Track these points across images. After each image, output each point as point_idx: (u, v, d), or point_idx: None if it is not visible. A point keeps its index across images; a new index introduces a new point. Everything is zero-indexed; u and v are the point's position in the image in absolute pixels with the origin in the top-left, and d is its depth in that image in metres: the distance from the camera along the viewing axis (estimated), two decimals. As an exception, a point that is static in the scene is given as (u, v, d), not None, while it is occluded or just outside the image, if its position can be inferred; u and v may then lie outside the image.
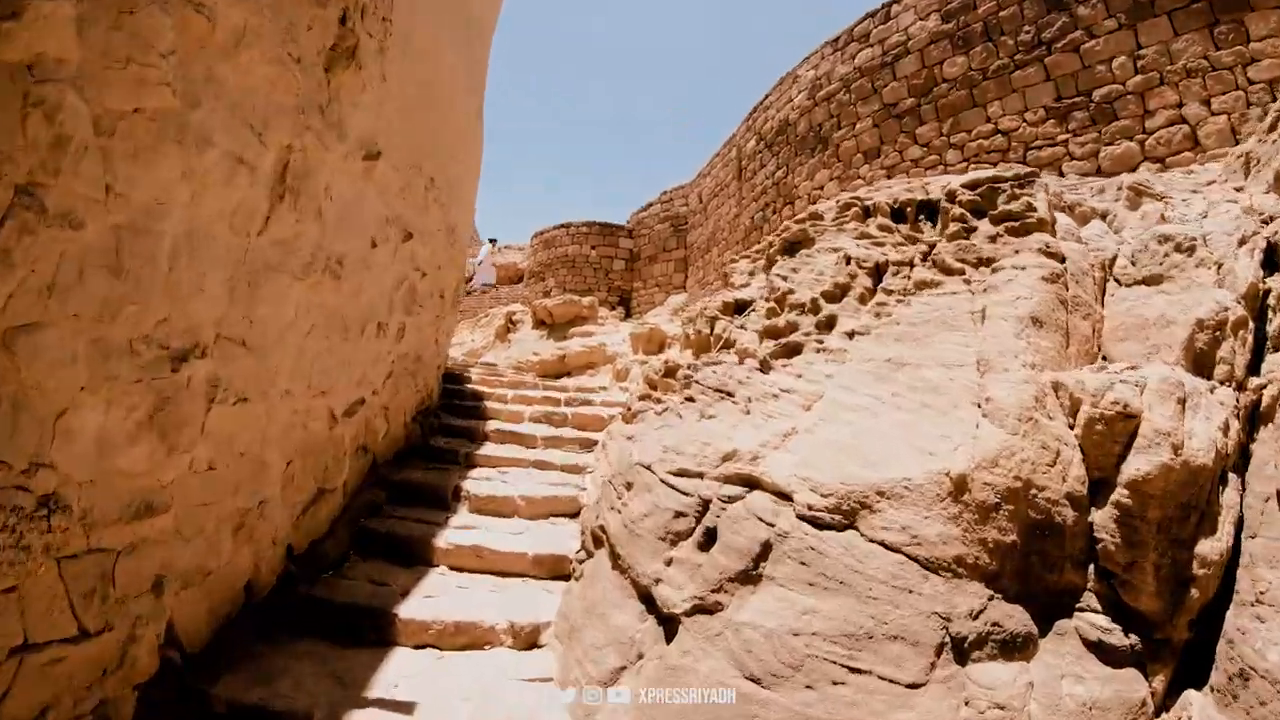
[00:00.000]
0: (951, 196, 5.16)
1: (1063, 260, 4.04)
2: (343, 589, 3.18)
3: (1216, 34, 7.11)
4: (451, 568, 3.48)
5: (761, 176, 12.29)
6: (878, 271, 4.75)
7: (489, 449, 4.95)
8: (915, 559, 2.52)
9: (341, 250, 3.23)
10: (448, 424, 5.37)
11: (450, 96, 4.93)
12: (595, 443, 5.28)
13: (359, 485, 3.85)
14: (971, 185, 5.05)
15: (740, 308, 5.72)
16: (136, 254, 2.02)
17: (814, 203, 10.67)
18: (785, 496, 2.65)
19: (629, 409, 5.52)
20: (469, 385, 6.93)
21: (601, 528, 3.18)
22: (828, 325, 4.32)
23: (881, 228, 5.31)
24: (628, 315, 16.10)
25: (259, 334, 2.65)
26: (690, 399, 4.14)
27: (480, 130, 6.27)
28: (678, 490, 2.84)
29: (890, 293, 4.35)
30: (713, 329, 5.63)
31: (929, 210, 5.31)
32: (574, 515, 4.05)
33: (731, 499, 2.69)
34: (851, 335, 4.08)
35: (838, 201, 6.03)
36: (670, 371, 5.64)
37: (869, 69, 10.05)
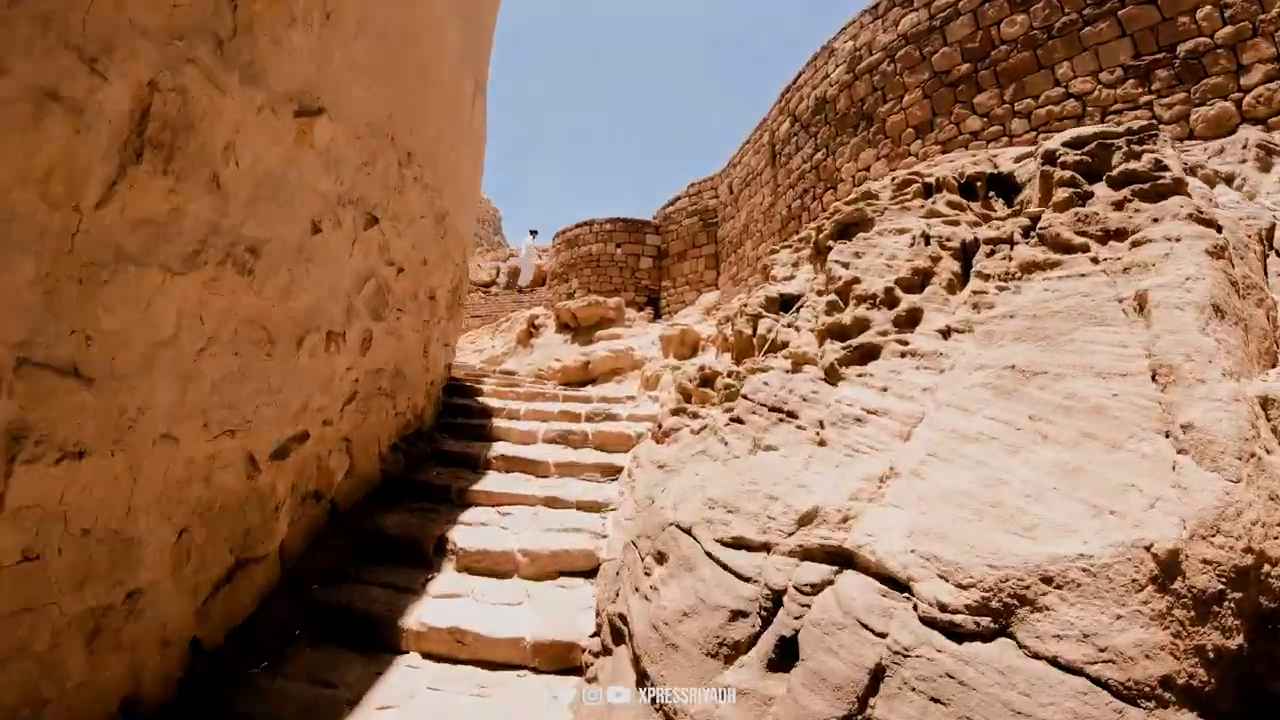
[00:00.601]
0: (1051, 157, 4.17)
1: (1219, 229, 3.07)
2: (273, 695, 2.34)
3: (1313, -24, 6.09)
4: (425, 655, 2.61)
5: (798, 161, 11.27)
6: (964, 253, 3.82)
7: (490, 481, 4.08)
8: (1105, 684, 1.59)
9: (258, 235, 2.38)
10: (444, 449, 4.51)
11: (437, 61, 4.09)
12: (620, 469, 4.39)
13: (309, 543, 3.01)
14: (1075, 143, 4.06)
15: (786, 303, 4.85)
16: None
17: (859, 185, 9.67)
18: (898, 585, 1.73)
19: (659, 425, 4.67)
20: (479, 399, 6.09)
21: (623, 616, 2.27)
22: (909, 321, 3.41)
23: (951, 204, 4.43)
24: (657, 316, 15.18)
25: (105, 354, 1.81)
26: (737, 420, 3.23)
27: (483, 111, 5.43)
28: (733, 572, 1.92)
29: (987, 278, 3.43)
30: (755, 329, 4.73)
31: (1001, 185, 4.46)
32: (590, 574, 3.15)
33: (815, 588, 1.77)
34: (947, 333, 3.15)
35: (893, 179, 5.14)
36: (708, 379, 4.78)
37: (915, 35, 9.01)
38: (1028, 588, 1.66)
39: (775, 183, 12.20)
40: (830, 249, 4.79)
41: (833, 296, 4.02)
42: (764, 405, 3.12)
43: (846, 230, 4.82)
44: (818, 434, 2.61)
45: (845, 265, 4.19)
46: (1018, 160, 4.63)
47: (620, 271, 16.77)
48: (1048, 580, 1.68)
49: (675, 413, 4.63)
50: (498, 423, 5.24)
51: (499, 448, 4.65)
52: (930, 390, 2.77)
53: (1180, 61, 6.99)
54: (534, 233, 21.98)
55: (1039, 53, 7.90)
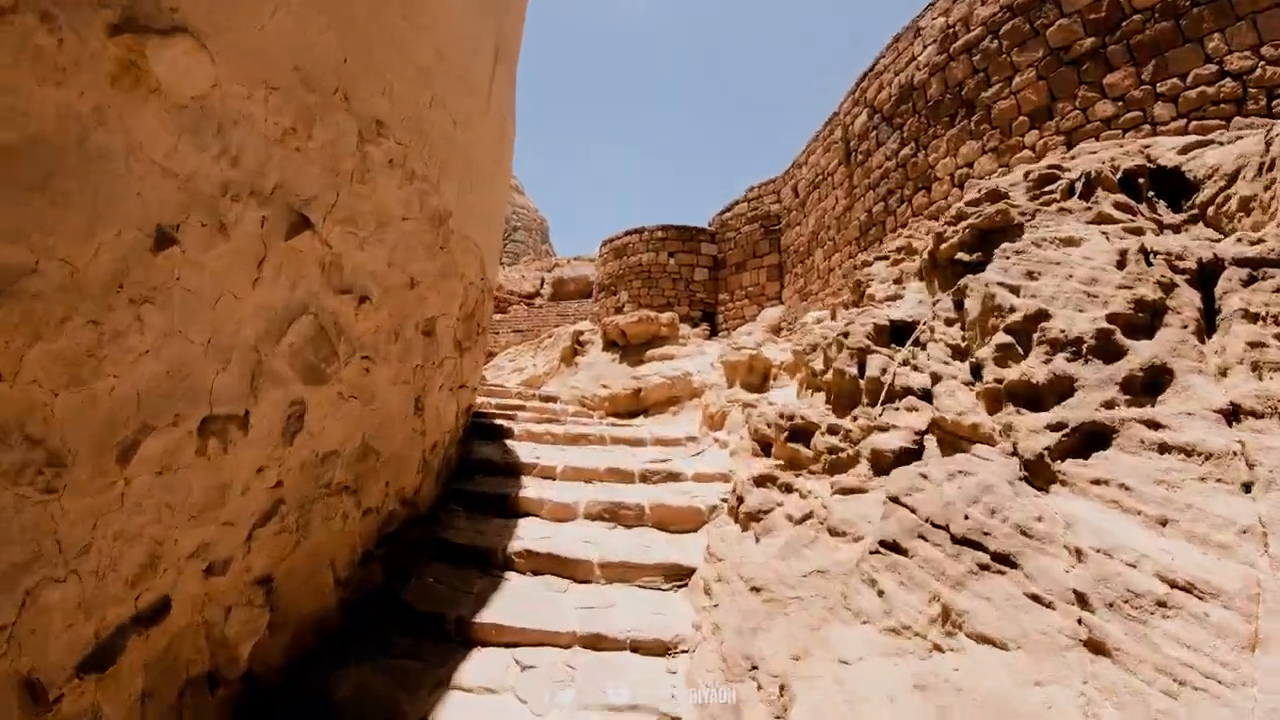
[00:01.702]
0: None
1: None
2: None
3: None
4: None
5: (879, 158, 9.86)
6: (1203, 278, 2.55)
7: (506, 597, 2.85)
8: None
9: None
10: (447, 539, 3.31)
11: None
12: (689, 571, 3.17)
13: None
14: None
15: (898, 333, 3.60)
16: None
17: (960, 185, 8.25)
18: None
19: (739, 498, 3.49)
20: (508, 443, 4.96)
21: None
22: (1149, 386, 2.16)
23: (1118, 206, 3.17)
24: (714, 332, 13.91)
25: None
26: (893, 546, 1.98)
27: (509, 86, 4.26)
28: None
29: (1257, 318, 2.17)
30: (863, 368, 3.48)
31: (1164, 183, 3.25)
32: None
33: None
34: (1233, 415, 1.85)
35: (1026, 174, 3.91)
36: (799, 432, 3.58)
37: (1023, 5, 7.60)
38: None
39: (851, 184, 10.81)
40: (960, 263, 3.54)
41: (1005, 337, 2.75)
42: (939, 527, 1.85)
43: (987, 238, 3.55)
44: (1080, 621, 1.33)
45: (1014, 290, 2.91)
46: (1183, 151, 3.41)
47: (673, 283, 15.51)
48: None
49: (760, 482, 3.43)
50: (527, 486, 4.06)
51: (525, 531, 3.46)
52: (1253, 534, 1.47)
53: (1365, 29, 5.60)
54: None
55: (1183, 23, 6.46)
